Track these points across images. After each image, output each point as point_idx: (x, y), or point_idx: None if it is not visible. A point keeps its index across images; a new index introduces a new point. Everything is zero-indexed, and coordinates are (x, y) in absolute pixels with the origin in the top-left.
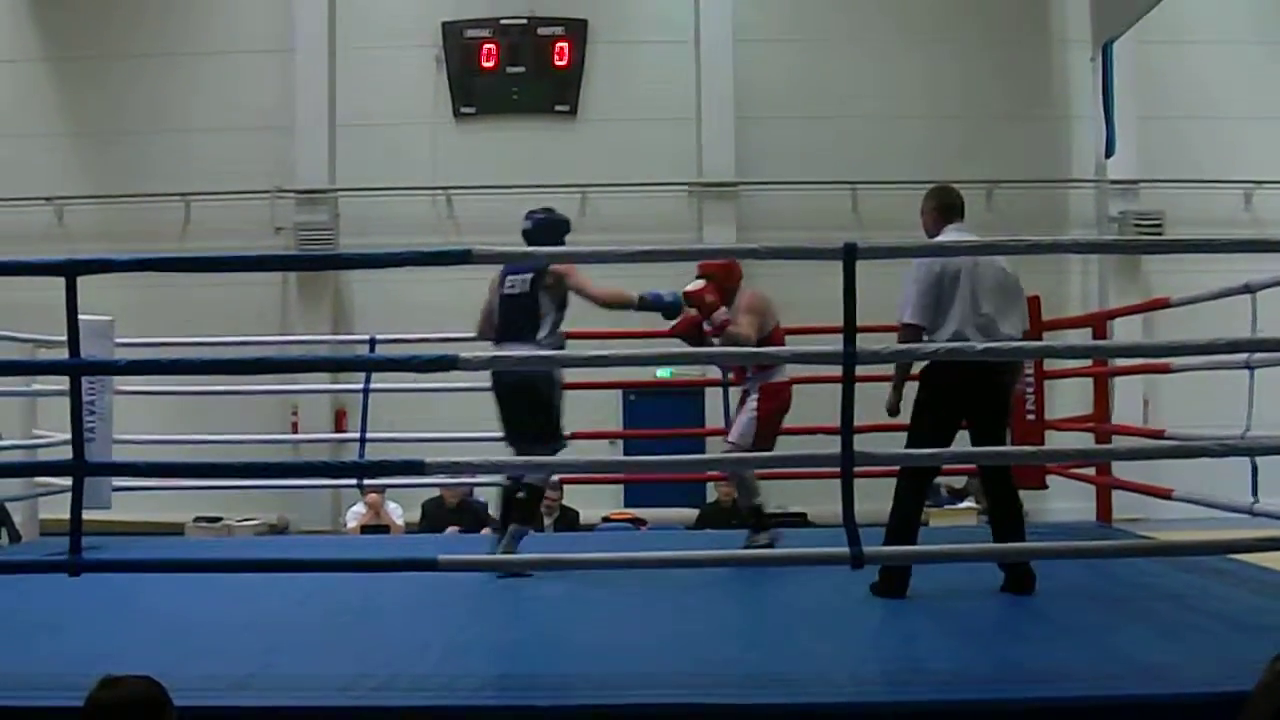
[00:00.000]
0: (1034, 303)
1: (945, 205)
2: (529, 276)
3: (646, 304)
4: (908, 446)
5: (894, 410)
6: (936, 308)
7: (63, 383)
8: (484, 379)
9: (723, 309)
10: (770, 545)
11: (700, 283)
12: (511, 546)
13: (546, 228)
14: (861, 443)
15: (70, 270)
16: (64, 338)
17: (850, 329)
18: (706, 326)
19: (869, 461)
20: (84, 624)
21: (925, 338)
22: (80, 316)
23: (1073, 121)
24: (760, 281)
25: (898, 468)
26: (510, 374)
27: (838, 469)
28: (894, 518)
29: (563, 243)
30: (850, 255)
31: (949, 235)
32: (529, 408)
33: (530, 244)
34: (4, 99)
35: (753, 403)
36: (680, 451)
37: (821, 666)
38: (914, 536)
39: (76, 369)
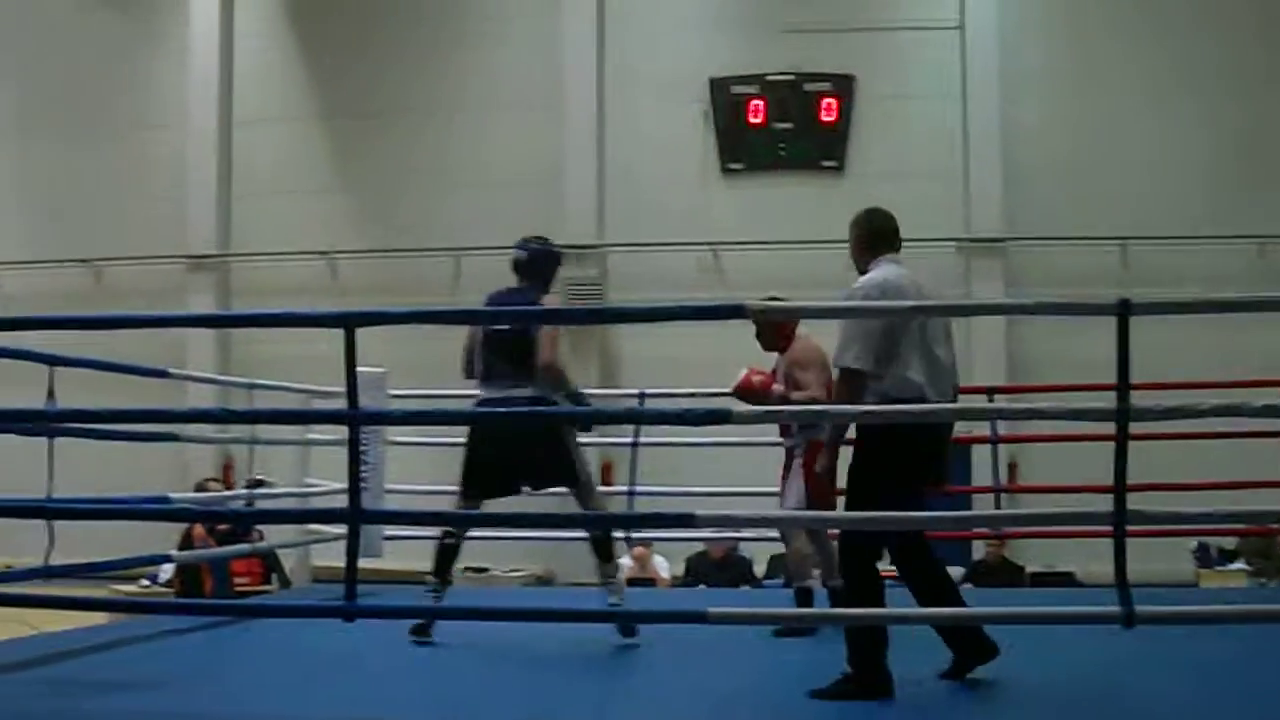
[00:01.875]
0: None
1: (874, 231)
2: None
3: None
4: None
5: (830, 472)
6: (890, 350)
7: (334, 432)
8: (752, 433)
9: (777, 387)
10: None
11: (743, 372)
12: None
13: (542, 259)
14: (1132, 501)
15: (349, 322)
16: (336, 388)
17: (1124, 386)
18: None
19: (1142, 520)
20: (356, 669)
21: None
22: (357, 368)
23: None
24: (1028, 337)
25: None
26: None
27: (1109, 527)
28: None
29: (554, 277)
30: (1125, 312)
31: (883, 268)
32: (547, 451)
33: (522, 274)
34: (280, 156)
35: (799, 465)
36: (946, 509)
37: None
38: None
39: (355, 419)
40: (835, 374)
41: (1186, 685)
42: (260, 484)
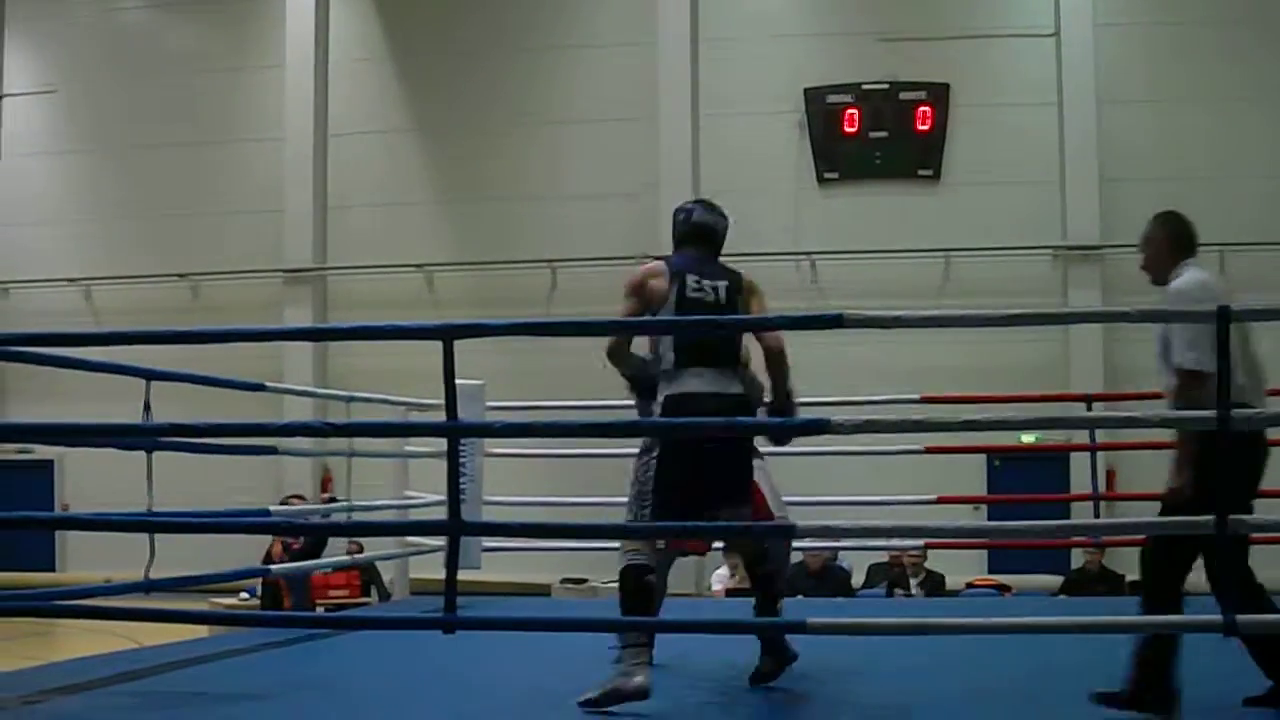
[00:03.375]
0: None
1: (1179, 235)
2: (724, 285)
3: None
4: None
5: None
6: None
7: (433, 444)
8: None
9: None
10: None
11: None
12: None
13: (725, 232)
14: None
15: (447, 335)
16: (432, 401)
17: (1225, 392)
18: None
19: (1243, 528)
20: (457, 681)
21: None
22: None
23: None
24: (1126, 345)
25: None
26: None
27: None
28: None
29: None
30: (1224, 318)
31: (1193, 270)
32: (736, 463)
33: (704, 243)
34: (376, 169)
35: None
36: (1045, 517)
37: None
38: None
39: (454, 431)
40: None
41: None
42: (333, 500)
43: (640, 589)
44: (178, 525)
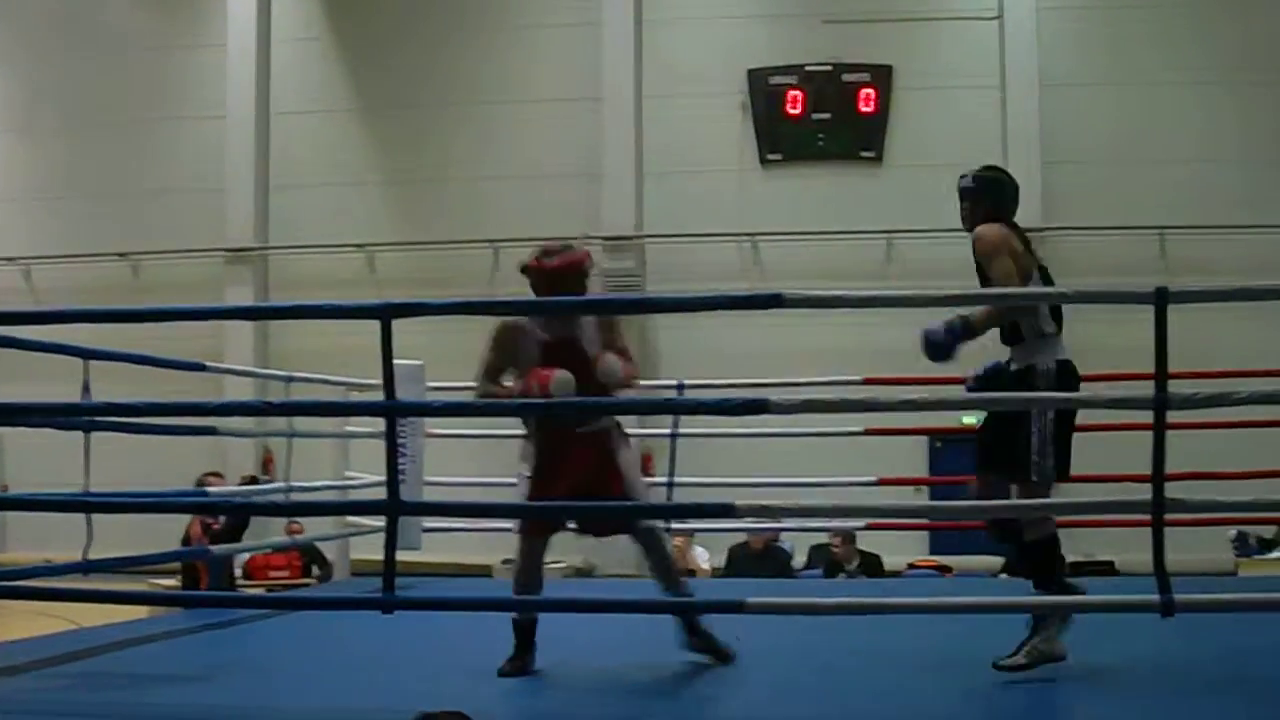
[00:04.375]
0: None
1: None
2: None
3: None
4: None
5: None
6: None
7: (374, 425)
8: (791, 423)
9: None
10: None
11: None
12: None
13: (988, 185)
14: (1171, 490)
15: (386, 314)
16: (374, 381)
17: (1162, 374)
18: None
19: (1180, 509)
20: (396, 661)
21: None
22: (394, 360)
23: None
24: (1067, 326)
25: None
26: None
27: (1148, 516)
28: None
29: (1010, 208)
30: (1163, 300)
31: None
32: (1003, 428)
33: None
34: (319, 148)
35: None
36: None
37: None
38: None
39: (392, 410)
40: None
41: (1223, 672)
42: (255, 480)
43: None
44: (114, 505)
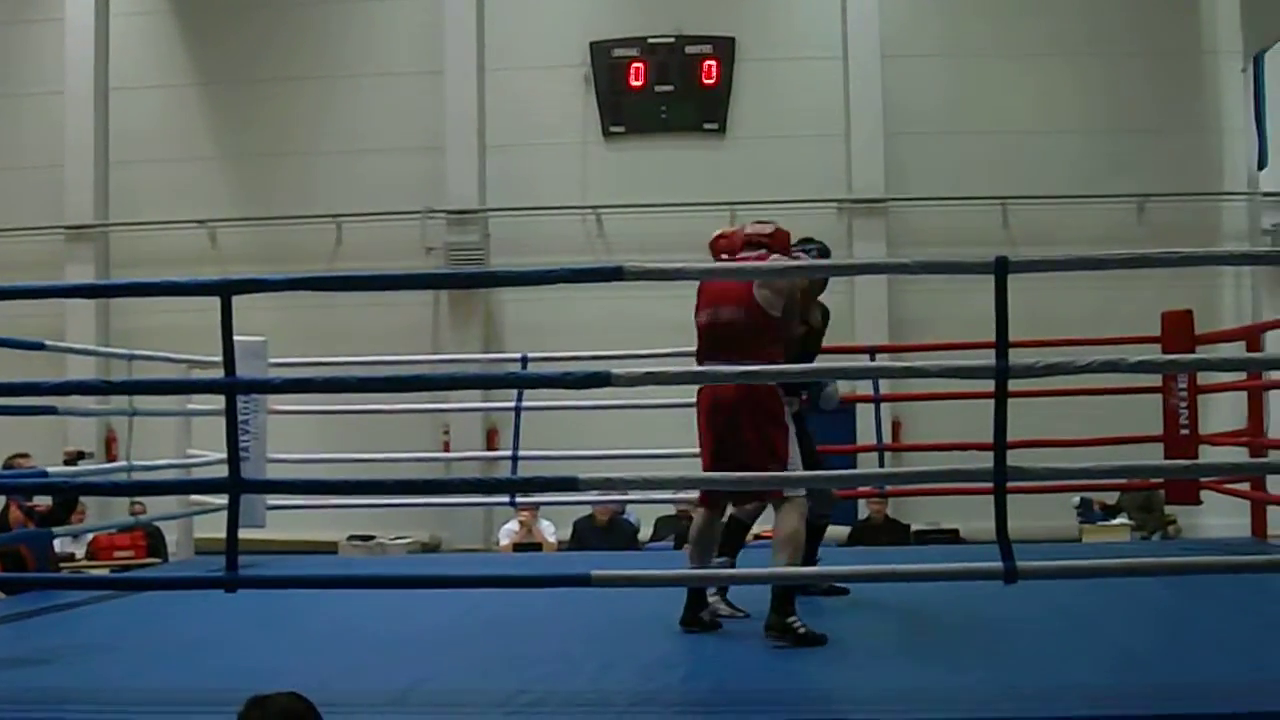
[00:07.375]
0: (1186, 317)
1: None
2: None
3: None
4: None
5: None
6: None
7: (218, 403)
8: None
9: None
10: None
11: None
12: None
13: None
14: (1014, 458)
15: (225, 290)
16: (217, 358)
17: (1003, 343)
18: None
19: (1022, 476)
20: (239, 641)
21: None
22: (235, 337)
23: (1224, 134)
24: (910, 297)
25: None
26: None
27: (990, 484)
28: None
29: None
30: (1002, 269)
31: None
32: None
33: None
34: (156, 124)
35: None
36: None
37: (967, 682)
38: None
39: (232, 387)
40: None
41: (1066, 638)
42: (81, 456)
43: None
44: None
